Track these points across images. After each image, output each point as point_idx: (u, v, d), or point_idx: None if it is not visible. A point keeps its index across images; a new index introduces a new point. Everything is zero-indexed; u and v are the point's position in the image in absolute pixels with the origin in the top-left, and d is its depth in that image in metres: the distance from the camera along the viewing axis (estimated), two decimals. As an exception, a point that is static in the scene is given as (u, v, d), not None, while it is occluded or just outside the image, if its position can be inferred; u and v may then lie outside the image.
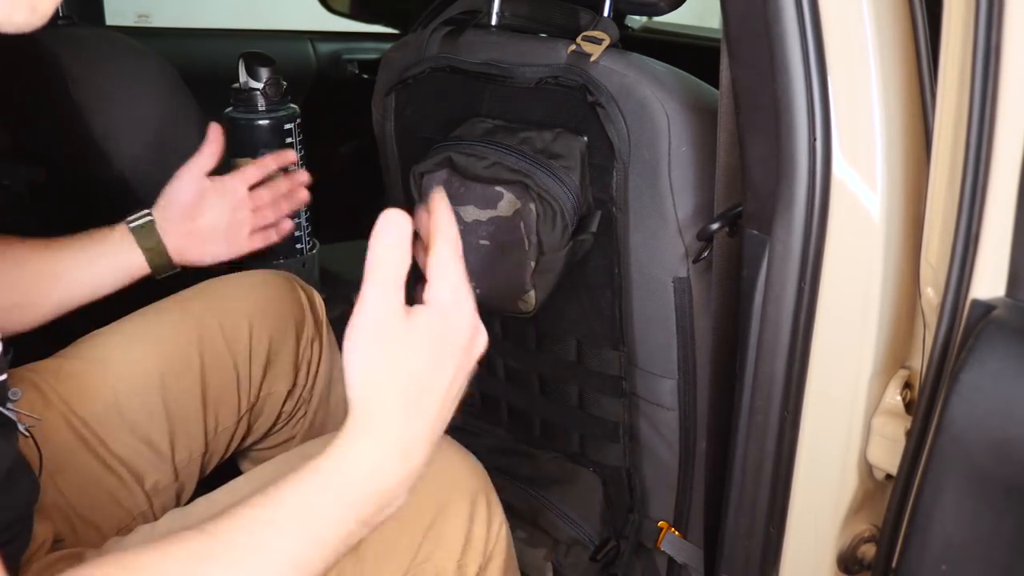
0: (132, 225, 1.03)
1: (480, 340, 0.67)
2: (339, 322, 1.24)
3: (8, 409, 0.71)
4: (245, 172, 1.10)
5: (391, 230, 0.60)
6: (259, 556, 0.57)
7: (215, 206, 1.07)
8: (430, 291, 0.63)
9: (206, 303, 1.05)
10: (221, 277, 1.11)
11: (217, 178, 1.07)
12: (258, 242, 1.11)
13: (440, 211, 0.64)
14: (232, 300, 1.06)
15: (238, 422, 1.04)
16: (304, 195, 1.15)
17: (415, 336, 0.61)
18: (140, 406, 0.96)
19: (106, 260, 1.01)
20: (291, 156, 1.16)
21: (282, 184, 1.13)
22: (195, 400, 0.99)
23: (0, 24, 0.56)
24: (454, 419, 0.66)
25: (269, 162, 1.12)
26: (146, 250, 1.02)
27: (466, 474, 0.86)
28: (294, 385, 1.09)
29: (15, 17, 0.56)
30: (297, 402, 1.11)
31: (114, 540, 0.81)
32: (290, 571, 0.58)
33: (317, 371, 1.13)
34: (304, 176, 1.15)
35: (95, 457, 0.92)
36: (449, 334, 0.64)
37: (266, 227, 1.12)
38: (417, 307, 0.62)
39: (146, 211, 1.05)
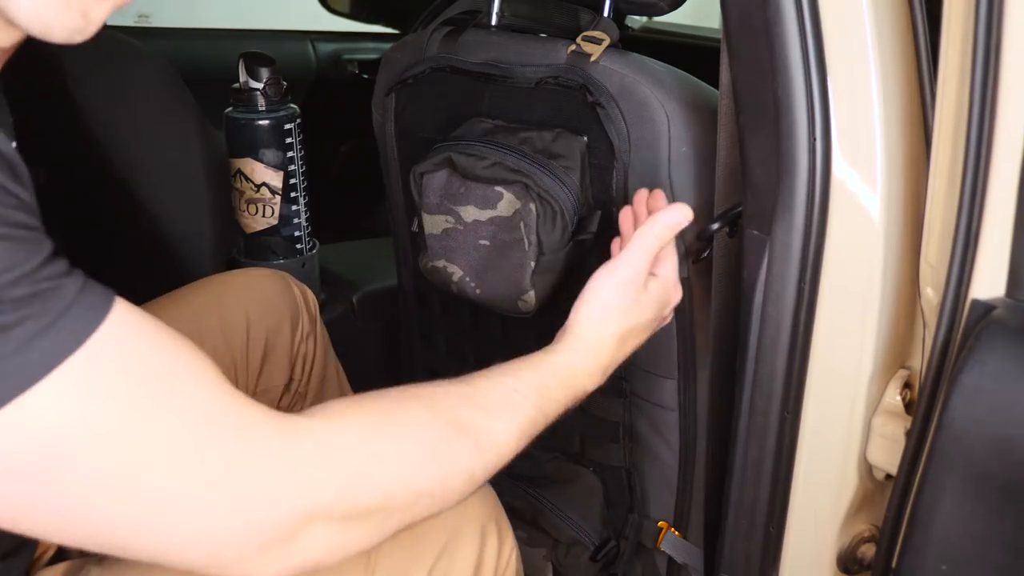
0: None
1: (676, 299, 0.87)
2: (339, 322, 1.25)
3: None
4: None
5: (677, 215, 0.81)
6: (505, 410, 0.71)
7: None
8: (661, 267, 0.84)
9: (204, 299, 1.05)
10: (218, 275, 1.11)
11: None
12: None
13: (664, 216, 0.82)
14: (229, 296, 1.07)
15: (236, 419, 1.04)
16: None
17: (646, 297, 0.82)
18: None
19: None
20: None
21: None
22: None
23: (49, 30, 0.52)
24: None
25: None
26: None
27: (477, 500, 0.87)
28: (291, 379, 1.10)
29: (67, 23, 0.52)
30: (294, 396, 1.12)
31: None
32: (525, 426, 0.72)
33: (312, 366, 1.14)
34: None
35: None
36: (666, 302, 0.85)
37: None
38: (652, 278, 0.83)
39: None
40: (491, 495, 0.89)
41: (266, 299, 1.08)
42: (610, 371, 0.81)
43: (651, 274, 0.83)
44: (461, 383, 0.72)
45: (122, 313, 0.52)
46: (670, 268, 0.85)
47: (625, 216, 0.88)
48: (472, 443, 0.68)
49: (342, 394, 1.20)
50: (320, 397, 1.16)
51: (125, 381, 0.51)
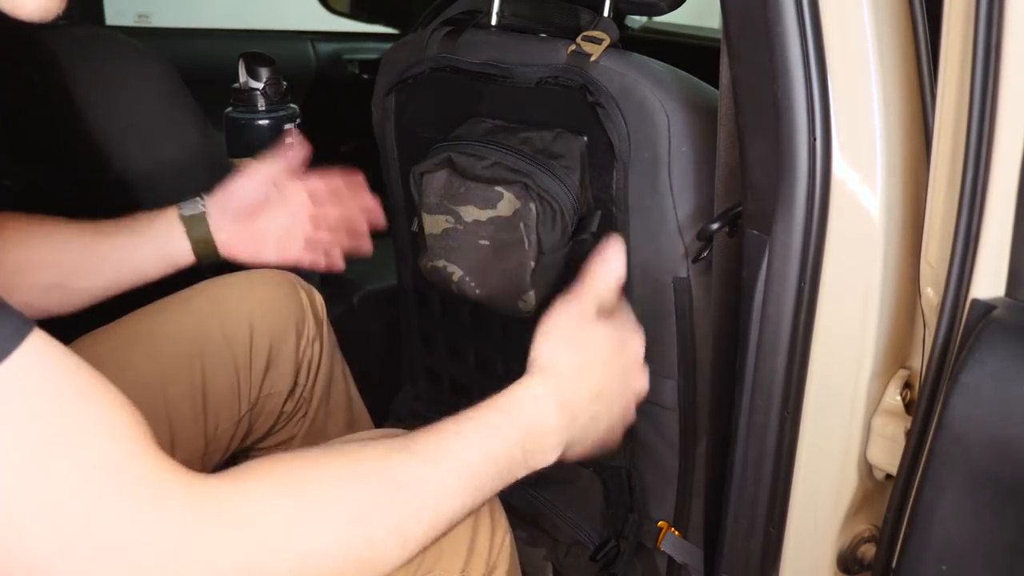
0: (184, 214, 1.02)
1: (642, 381, 0.82)
2: (339, 322, 1.24)
3: None
4: (311, 184, 1.08)
5: (617, 257, 0.80)
6: (445, 457, 0.66)
7: (274, 211, 1.05)
8: (614, 314, 0.80)
9: (207, 303, 1.04)
10: (222, 277, 1.10)
11: (283, 184, 1.06)
12: (307, 257, 1.08)
13: (612, 253, 0.80)
14: (233, 300, 1.05)
15: (238, 422, 1.04)
16: (368, 247, 1.10)
17: (599, 333, 0.78)
18: (139, 406, 0.95)
19: (152, 246, 1.01)
20: (368, 201, 1.09)
21: (359, 222, 1.09)
22: (195, 400, 0.99)
23: (17, 6, 0.52)
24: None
25: (338, 185, 1.09)
26: (195, 241, 1.01)
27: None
28: (295, 385, 1.09)
29: (28, 3, 0.52)
30: (298, 402, 1.11)
31: None
32: (467, 474, 0.66)
33: (318, 371, 1.13)
34: (379, 215, 1.10)
35: (95, 457, 0.92)
36: (624, 346, 0.80)
37: (318, 248, 1.08)
38: (604, 319, 0.79)
39: (199, 199, 1.03)
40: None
41: (270, 303, 1.07)
42: (573, 410, 0.74)
43: (605, 319, 0.80)
44: (396, 438, 0.67)
45: (32, 350, 0.48)
46: (624, 316, 0.82)
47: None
48: (403, 497, 0.63)
49: (348, 398, 1.19)
50: (326, 401, 1.15)
51: (17, 424, 0.48)
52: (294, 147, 1.05)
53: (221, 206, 1.03)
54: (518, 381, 0.74)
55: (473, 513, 0.81)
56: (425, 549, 0.70)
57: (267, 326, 1.05)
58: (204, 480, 0.56)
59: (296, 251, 1.07)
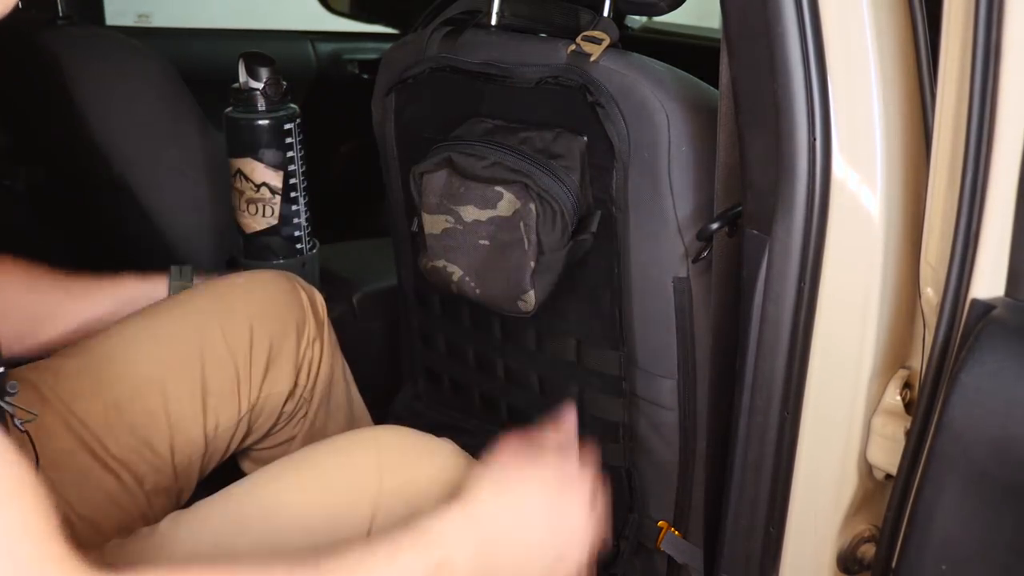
0: (173, 283, 1.09)
1: (590, 528, 0.79)
2: (339, 322, 1.24)
3: (5, 402, 0.70)
4: None
5: (569, 427, 0.83)
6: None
7: None
8: (562, 459, 0.80)
9: (207, 304, 1.04)
10: (222, 277, 1.11)
11: None
12: None
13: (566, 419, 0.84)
14: (233, 301, 1.05)
15: (238, 423, 1.04)
16: None
17: (538, 474, 0.77)
18: (139, 407, 0.95)
19: (129, 307, 1.05)
20: None
21: None
22: (195, 401, 0.99)
23: None
24: (457, 418, 0.72)
25: None
26: (178, 287, 1.08)
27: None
28: (295, 386, 1.09)
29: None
30: (298, 402, 1.11)
31: (115, 543, 0.81)
32: None
33: (318, 371, 1.12)
34: None
35: (94, 458, 0.92)
36: (565, 492, 0.78)
37: None
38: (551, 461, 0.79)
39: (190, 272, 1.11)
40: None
41: (271, 303, 1.07)
42: (499, 551, 0.74)
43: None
44: (307, 562, 0.66)
45: None
46: (573, 461, 0.81)
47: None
48: None
49: (349, 399, 1.19)
50: (326, 402, 1.15)
51: None
52: None
53: None
54: (441, 508, 0.73)
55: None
56: None
57: (267, 326, 1.05)
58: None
59: None
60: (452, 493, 0.76)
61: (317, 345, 1.12)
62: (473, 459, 0.89)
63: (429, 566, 0.70)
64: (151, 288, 1.08)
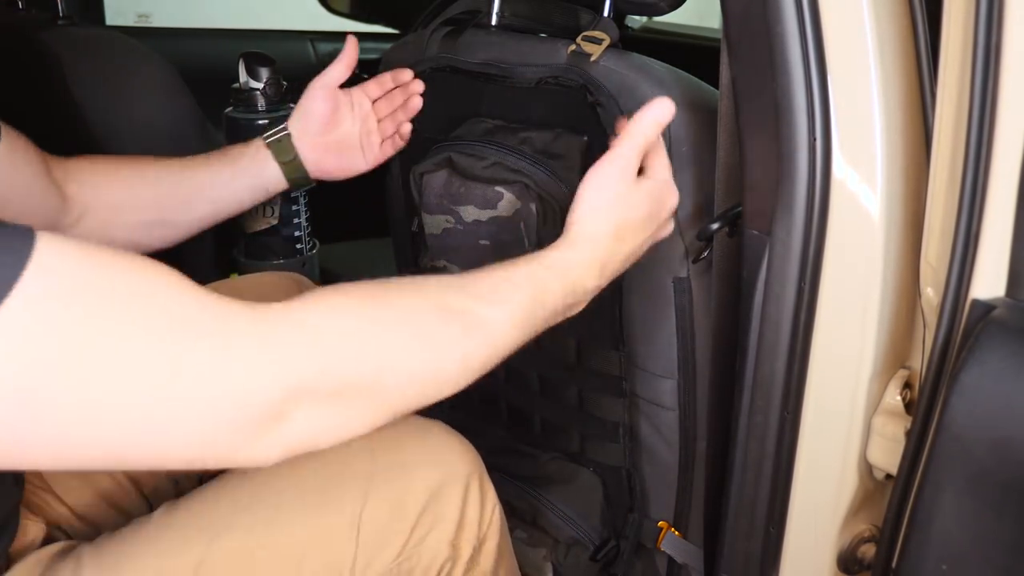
0: (269, 140, 1.07)
1: (673, 202, 0.86)
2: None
3: None
4: (367, 87, 1.13)
5: (660, 110, 0.80)
6: (496, 297, 0.72)
7: (349, 117, 1.10)
8: (652, 168, 0.84)
9: None
10: (228, 280, 1.11)
11: (347, 90, 1.11)
12: (388, 150, 1.14)
13: (648, 112, 0.81)
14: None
15: (239, 422, 1.04)
16: (417, 102, 1.14)
17: (638, 194, 0.81)
18: None
19: (245, 175, 1.05)
20: (407, 74, 1.15)
21: (397, 96, 1.14)
22: None
23: None
24: (456, 418, 0.73)
25: (387, 80, 1.14)
26: (283, 164, 1.06)
27: (458, 456, 0.88)
28: None
29: None
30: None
31: (108, 536, 0.81)
32: (519, 314, 0.73)
33: None
34: (418, 85, 1.14)
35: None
36: (661, 202, 0.84)
37: (387, 141, 1.15)
38: (644, 176, 0.83)
39: (281, 126, 1.08)
40: (471, 452, 0.90)
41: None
42: (610, 268, 0.81)
43: (644, 176, 0.83)
44: (451, 276, 0.73)
45: (48, 242, 0.52)
46: (662, 168, 0.85)
47: (619, 126, 0.88)
48: (462, 328, 0.68)
49: None
50: None
51: (79, 301, 0.52)
52: (347, 54, 1.09)
53: (302, 128, 1.08)
54: (561, 242, 0.79)
55: (462, 487, 0.85)
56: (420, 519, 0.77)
57: None
58: (273, 304, 0.60)
59: (376, 150, 1.13)
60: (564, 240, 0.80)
61: None
62: (466, 440, 0.90)
63: (565, 287, 0.77)
64: (252, 149, 1.08)
